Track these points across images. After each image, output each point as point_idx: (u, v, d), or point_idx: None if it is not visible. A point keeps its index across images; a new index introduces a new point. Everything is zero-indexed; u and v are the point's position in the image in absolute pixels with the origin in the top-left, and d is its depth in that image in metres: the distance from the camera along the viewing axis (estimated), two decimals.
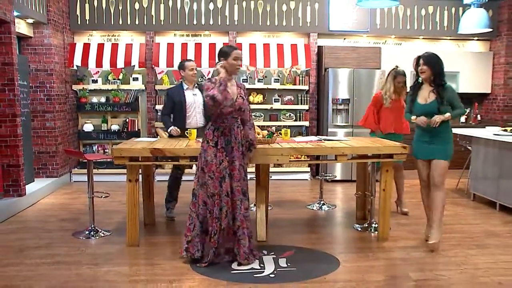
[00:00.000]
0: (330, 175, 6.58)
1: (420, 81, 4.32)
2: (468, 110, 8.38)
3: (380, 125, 5.43)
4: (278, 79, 7.89)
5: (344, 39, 8.12)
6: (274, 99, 7.95)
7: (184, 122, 5.15)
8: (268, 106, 7.87)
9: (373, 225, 4.85)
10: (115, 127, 7.72)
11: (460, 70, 8.03)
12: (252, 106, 7.86)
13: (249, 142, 3.98)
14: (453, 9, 8.01)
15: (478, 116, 8.35)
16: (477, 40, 8.40)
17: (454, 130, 6.43)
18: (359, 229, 4.93)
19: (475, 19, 6.24)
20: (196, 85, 5.32)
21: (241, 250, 3.83)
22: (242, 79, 7.77)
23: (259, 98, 7.90)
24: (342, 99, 7.52)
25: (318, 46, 7.91)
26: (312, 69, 7.92)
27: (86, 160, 4.87)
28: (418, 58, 4.26)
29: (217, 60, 3.99)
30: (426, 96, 4.25)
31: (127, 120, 7.73)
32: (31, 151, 6.80)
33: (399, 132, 5.41)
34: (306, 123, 7.97)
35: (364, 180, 5.26)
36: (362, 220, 5.22)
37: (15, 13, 5.96)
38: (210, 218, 3.82)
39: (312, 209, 5.83)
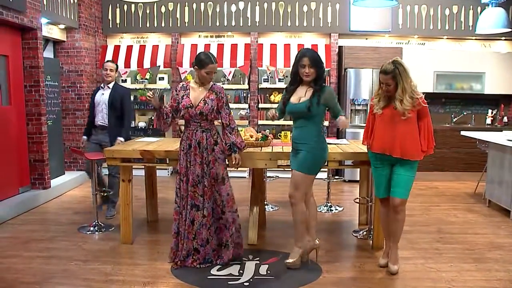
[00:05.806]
0: (337, 177, 6.17)
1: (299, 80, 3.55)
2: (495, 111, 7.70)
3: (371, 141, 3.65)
4: None
5: (366, 39, 7.62)
6: None
7: None
8: None
9: (372, 232, 4.43)
10: (142, 124, 7.65)
11: (485, 70, 7.24)
12: (273, 105, 7.57)
13: (230, 145, 3.68)
14: (479, 8, 7.25)
15: (505, 118, 7.56)
16: (504, 40, 7.57)
17: (471, 134, 5.91)
18: (359, 236, 4.52)
19: (492, 19, 5.57)
20: None
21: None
22: (263, 79, 7.48)
23: (280, 97, 7.56)
24: (362, 99, 7.09)
25: (338, 46, 7.46)
26: (333, 69, 7.47)
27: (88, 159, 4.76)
28: (301, 56, 3.43)
29: (191, 66, 3.72)
30: (301, 95, 3.50)
31: (153, 118, 7.66)
32: (62, 146, 6.87)
33: (390, 153, 3.45)
34: (326, 123, 7.55)
35: (367, 184, 4.85)
36: (365, 225, 4.77)
37: (46, 20, 6.00)
38: (181, 220, 3.64)
39: (319, 211, 5.33)
